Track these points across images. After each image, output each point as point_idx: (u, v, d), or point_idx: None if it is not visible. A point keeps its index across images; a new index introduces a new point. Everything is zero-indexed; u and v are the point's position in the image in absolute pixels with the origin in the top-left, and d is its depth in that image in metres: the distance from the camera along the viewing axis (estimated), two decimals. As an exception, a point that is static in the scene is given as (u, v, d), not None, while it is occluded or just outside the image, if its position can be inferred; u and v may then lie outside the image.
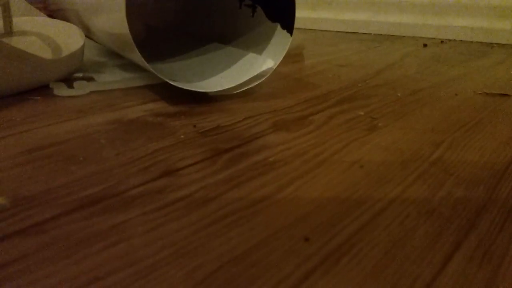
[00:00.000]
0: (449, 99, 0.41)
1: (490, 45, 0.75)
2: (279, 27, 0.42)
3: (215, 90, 0.39)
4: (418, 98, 0.41)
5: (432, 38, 0.82)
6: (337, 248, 0.19)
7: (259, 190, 0.24)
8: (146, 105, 0.38)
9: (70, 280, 0.17)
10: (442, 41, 0.78)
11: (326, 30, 0.97)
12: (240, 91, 0.41)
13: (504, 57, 0.64)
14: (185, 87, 0.37)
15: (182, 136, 0.31)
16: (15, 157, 0.27)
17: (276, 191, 0.24)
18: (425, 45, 0.74)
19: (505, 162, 0.27)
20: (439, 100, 0.41)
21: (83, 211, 0.21)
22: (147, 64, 0.36)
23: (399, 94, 0.43)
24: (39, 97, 0.39)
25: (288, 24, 0.41)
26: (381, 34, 0.88)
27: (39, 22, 0.45)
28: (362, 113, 0.37)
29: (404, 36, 0.85)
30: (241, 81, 0.41)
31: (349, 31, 0.94)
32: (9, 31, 0.41)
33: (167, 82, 0.38)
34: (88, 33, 0.52)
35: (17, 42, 0.39)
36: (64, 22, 0.49)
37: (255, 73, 0.41)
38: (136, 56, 0.37)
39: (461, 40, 0.79)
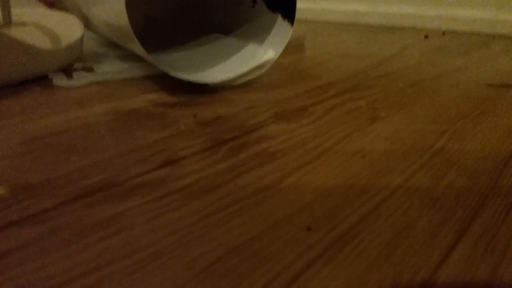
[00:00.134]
0: (451, 90, 0.41)
1: (492, 36, 0.74)
2: (280, 17, 0.42)
3: (216, 81, 0.39)
4: (419, 89, 0.41)
5: (433, 29, 0.81)
6: (339, 238, 0.19)
7: (261, 180, 0.23)
8: (146, 95, 0.38)
9: (71, 269, 0.16)
10: (443, 32, 0.78)
11: (327, 21, 0.96)
12: (241, 82, 0.41)
13: (506, 48, 0.64)
14: (185, 78, 0.37)
15: (182, 127, 0.31)
16: (15, 147, 0.27)
17: (278, 181, 0.23)
18: (426, 36, 0.73)
19: (508, 152, 0.27)
20: (441, 91, 0.40)
21: (83, 200, 0.21)
22: (147, 55, 0.35)
23: (400, 85, 0.42)
24: (38, 88, 0.39)
25: (289, 15, 0.41)
26: (382, 25, 0.88)
27: (38, 13, 0.45)
28: (363, 103, 0.36)
29: (405, 27, 0.84)
30: (241, 72, 0.40)
31: (350, 22, 0.93)
32: (8, 22, 0.40)
33: (167, 73, 0.38)
34: (88, 24, 0.52)
35: (16, 32, 0.39)
36: (63, 12, 0.48)
37: (256, 64, 0.41)
38: (136, 47, 0.36)
39: (462, 31, 0.78)
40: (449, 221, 0.20)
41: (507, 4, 0.74)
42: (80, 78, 0.41)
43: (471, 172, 0.25)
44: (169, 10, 0.66)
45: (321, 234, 0.19)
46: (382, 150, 0.27)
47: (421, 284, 0.16)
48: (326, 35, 0.74)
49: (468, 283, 0.16)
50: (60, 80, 0.40)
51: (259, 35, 0.44)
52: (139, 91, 0.39)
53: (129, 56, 0.52)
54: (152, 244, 0.18)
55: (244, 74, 0.41)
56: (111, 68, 0.45)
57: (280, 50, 0.41)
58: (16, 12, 0.43)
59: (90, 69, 0.45)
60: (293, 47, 0.62)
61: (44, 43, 0.40)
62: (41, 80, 0.41)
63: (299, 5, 1.04)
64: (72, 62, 0.45)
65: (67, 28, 0.45)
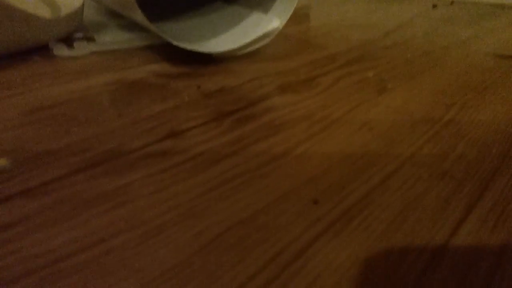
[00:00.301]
0: (460, 61, 0.40)
1: (501, 6, 0.73)
2: (285, -15, 0.40)
3: (219, 50, 0.38)
4: (428, 60, 0.40)
5: (441, -1, 0.79)
6: (347, 210, 0.18)
7: (266, 153, 0.23)
8: (148, 66, 0.37)
9: (74, 241, 0.16)
10: (452, 2, 0.76)
11: (332, -9, 0.94)
12: (245, 52, 0.40)
13: (516, 18, 0.62)
14: (188, 48, 0.36)
15: (186, 98, 0.30)
16: (16, 118, 0.26)
17: (284, 153, 0.23)
18: (434, 6, 0.72)
19: (519, 124, 0.27)
20: (450, 62, 0.40)
21: (86, 172, 0.21)
22: (149, 24, 0.34)
23: (408, 56, 0.41)
24: (38, 58, 0.38)
25: (295, -18, 0.39)
26: (389, -5, 0.85)
27: (37, -20, 0.43)
28: (371, 74, 0.36)
29: (413, -3, 0.82)
30: (246, 42, 0.39)
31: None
32: (5, -11, 0.39)
33: (169, 43, 0.37)
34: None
35: (14, 1, 0.38)
36: (62, -20, 0.47)
37: (261, 33, 0.40)
38: (138, 16, 0.35)
39: (471, 1, 0.76)
40: (459, 194, 0.20)
41: (518, -27, 0.72)
42: (81, 48, 0.40)
43: (481, 144, 0.24)
44: (171, -22, 0.65)
45: (328, 207, 0.19)
46: (390, 122, 0.27)
47: (430, 257, 0.16)
48: (332, 5, 0.72)
49: (478, 257, 0.16)
50: (60, 50, 0.40)
51: (263, 3, 0.43)
52: (141, 62, 0.38)
53: (131, 26, 0.51)
54: (157, 217, 0.18)
55: (248, 44, 0.40)
56: (113, 38, 0.44)
57: (285, 19, 0.40)
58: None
59: (91, 39, 0.44)
60: (298, 17, 0.61)
61: (43, 11, 0.39)
62: (42, 50, 0.41)
63: (304, -27, 1.01)
64: (72, 31, 0.44)
65: (66, -3, 0.43)
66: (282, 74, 0.35)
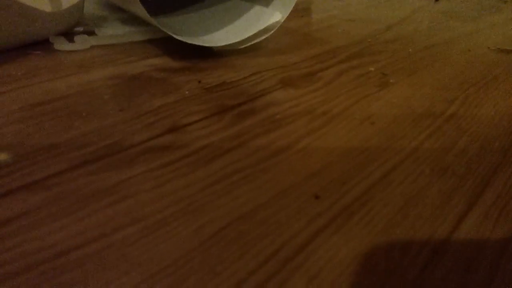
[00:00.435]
0: (462, 55, 0.40)
1: (503, 0, 0.72)
2: (286, -22, 0.40)
3: (220, 44, 0.38)
4: (430, 54, 0.40)
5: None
6: (348, 205, 0.18)
7: (267, 147, 0.23)
8: (149, 60, 0.37)
9: (75, 236, 0.16)
10: (454, -4, 0.75)
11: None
12: (246, 46, 0.40)
13: (519, 12, 0.62)
14: (189, 42, 0.36)
15: (187, 92, 0.30)
16: (17, 112, 0.26)
17: (285, 148, 0.23)
18: (436, 0, 0.71)
19: (521, 119, 0.27)
20: (452, 56, 0.39)
21: (87, 167, 0.21)
22: (150, 17, 0.34)
23: (410, 50, 0.41)
24: (39, 52, 0.38)
25: (297, -25, 0.39)
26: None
27: (37, -27, 0.43)
28: (372, 69, 0.35)
29: (415, -9, 0.82)
30: (247, 35, 0.39)
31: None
32: (5, -18, 0.39)
33: (170, 37, 0.37)
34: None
35: (14, -7, 0.38)
36: (63, -27, 0.47)
37: (262, 27, 0.40)
38: (138, 9, 0.35)
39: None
40: (461, 189, 0.19)
41: (521, -34, 0.72)
42: (81, 42, 0.40)
43: (483, 139, 0.24)
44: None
45: (329, 202, 0.19)
46: (392, 117, 0.27)
47: (431, 253, 0.16)
48: (333, -1, 0.72)
49: (479, 252, 0.16)
50: (61, 44, 0.40)
51: (265, -3, 0.42)
52: (141, 56, 0.38)
53: (131, 20, 0.50)
54: (158, 211, 0.18)
55: (250, 38, 0.39)
56: (113, 32, 0.44)
57: (287, 13, 0.40)
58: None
59: (91, 33, 0.44)
60: (300, 11, 0.61)
61: (44, 5, 0.39)
62: (42, 44, 0.40)
63: (305, -33, 1.01)
64: (73, 25, 0.44)
65: (67, -10, 0.43)
66: (283, 69, 0.35)
